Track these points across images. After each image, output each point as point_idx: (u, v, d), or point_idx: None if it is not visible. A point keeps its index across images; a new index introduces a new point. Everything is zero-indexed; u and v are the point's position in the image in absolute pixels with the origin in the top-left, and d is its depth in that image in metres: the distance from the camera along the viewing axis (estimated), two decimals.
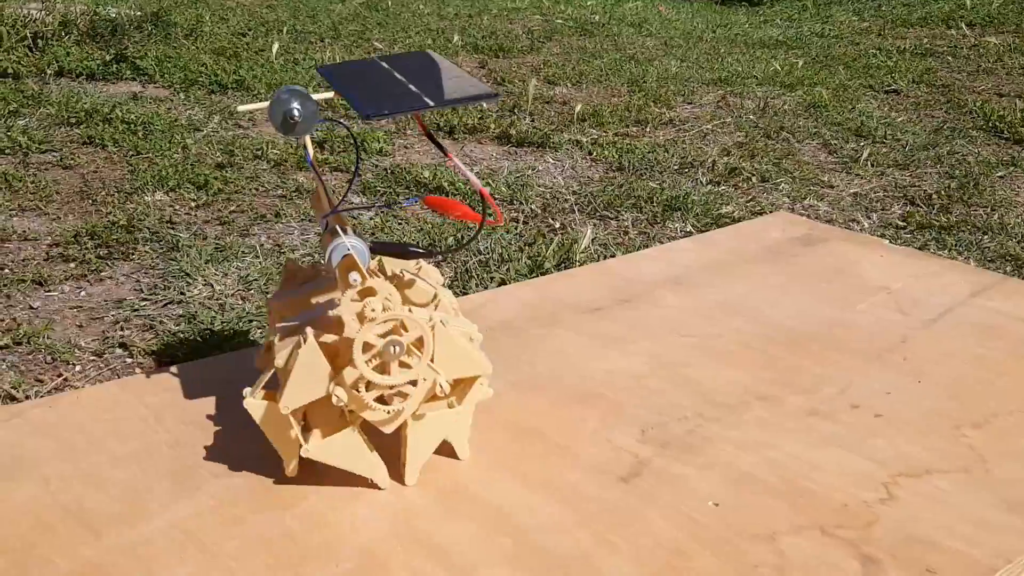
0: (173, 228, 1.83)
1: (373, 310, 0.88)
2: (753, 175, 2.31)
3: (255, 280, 1.58)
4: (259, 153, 2.37)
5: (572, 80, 3.45)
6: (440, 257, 0.90)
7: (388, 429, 0.94)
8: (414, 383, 0.91)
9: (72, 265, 1.65)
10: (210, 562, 0.87)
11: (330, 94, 0.98)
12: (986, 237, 1.88)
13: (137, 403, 1.12)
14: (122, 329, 1.41)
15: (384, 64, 1.07)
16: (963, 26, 4.74)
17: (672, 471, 1.00)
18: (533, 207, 2.04)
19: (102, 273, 1.62)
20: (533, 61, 3.79)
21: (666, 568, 0.86)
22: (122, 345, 1.36)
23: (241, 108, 0.97)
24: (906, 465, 1.02)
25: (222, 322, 1.41)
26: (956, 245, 1.84)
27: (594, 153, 2.51)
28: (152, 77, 3.16)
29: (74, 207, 1.97)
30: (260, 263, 1.66)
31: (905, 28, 4.83)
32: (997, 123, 2.84)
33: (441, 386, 0.93)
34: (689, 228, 1.91)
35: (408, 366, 0.90)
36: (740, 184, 2.26)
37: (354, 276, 0.87)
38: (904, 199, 2.18)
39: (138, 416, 1.09)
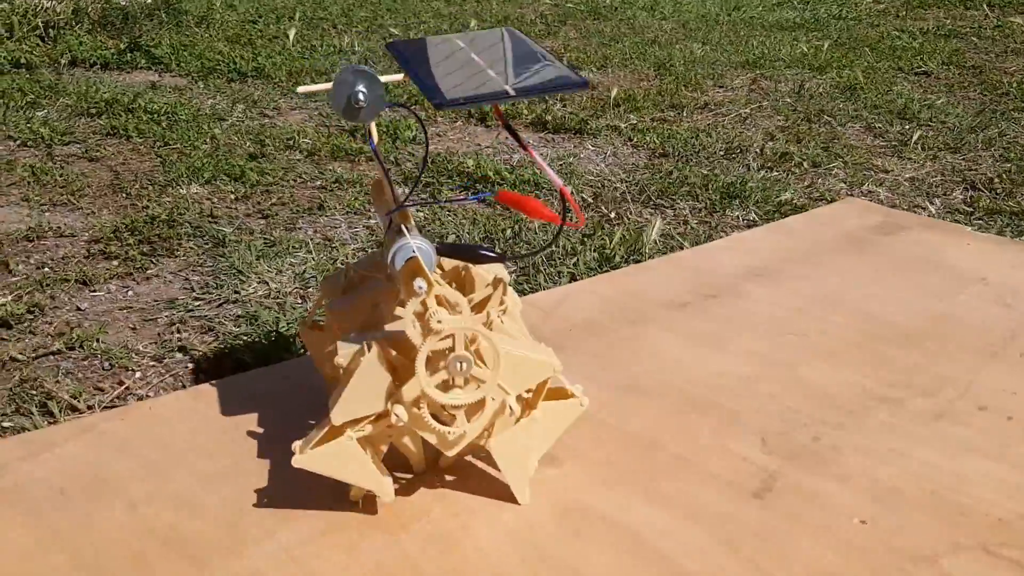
0: (215, 222, 1.75)
1: (440, 321, 0.80)
2: (804, 160, 2.23)
3: (311, 277, 1.50)
4: (291, 143, 2.28)
5: (597, 64, 3.37)
6: (512, 262, 0.82)
7: (451, 452, 0.87)
8: (483, 402, 0.83)
9: (115, 263, 1.57)
10: None
11: (399, 76, 0.90)
12: None
13: (213, 414, 1.04)
14: (178, 331, 1.33)
15: (460, 42, 0.99)
16: (984, 7, 4.66)
17: (807, 486, 0.93)
18: (585, 196, 1.96)
19: (148, 271, 1.54)
20: (552, 45, 3.69)
21: None
22: (181, 349, 1.28)
23: (301, 89, 0.90)
24: None
25: (286, 322, 1.33)
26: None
27: (634, 139, 2.43)
28: (168, 66, 3.06)
29: (108, 201, 1.88)
30: (313, 258, 1.57)
31: (923, 9, 4.75)
32: None
33: (511, 408, 0.85)
34: (752, 216, 1.83)
35: (476, 382, 0.82)
36: (792, 169, 2.18)
37: (419, 283, 0.80)
38: (963, 183, 2.10)
39: (218, 428, 1.01)
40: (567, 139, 2.47)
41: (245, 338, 1.30)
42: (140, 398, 1.17)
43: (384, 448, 0.87)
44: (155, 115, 2.47)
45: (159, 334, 1.34)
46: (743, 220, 1.84)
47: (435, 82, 0.88)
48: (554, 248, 1.62)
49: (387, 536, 0.85)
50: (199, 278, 1.52)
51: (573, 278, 1.51)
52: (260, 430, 1.00)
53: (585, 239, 1.69)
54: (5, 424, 1.11)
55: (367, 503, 0.88)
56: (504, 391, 0.85)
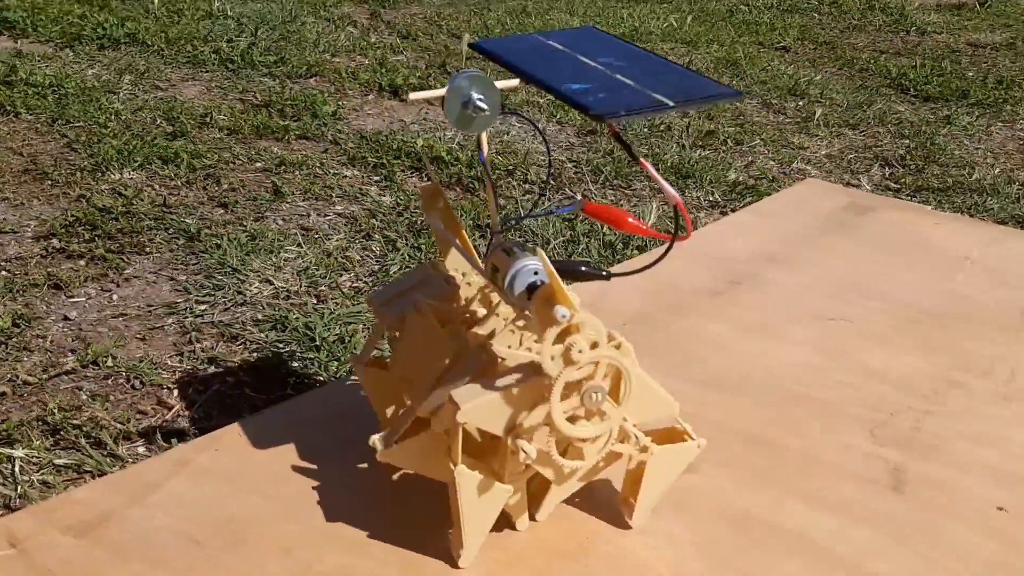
0: (172, 213, 1.61)
1: (580, 351, 0.73)
2: (728, 138, 2.30)
3: (316, 272, 1.40)
4: (206, 120, 2.12)
5: (479, 34, 3.32)
6: (610, 277, 0.79)
7: (562, 485, 0.83)
8: (611, 436, 0.78)
9: (82, 263, 1.41)
10: None
11: (514, 82, 0.84)
12: (989, 199, 1.95)
13: (317, 436, 0.96)
14: (196, 340, 1.22)
15: (556, 43, 0.94)
16: None
17: (935, 476, 0.97)
18: (540, 177, 1.93)
19: (124, 271, 1.40)
20: (425, 12, 3.60)
21: None
22: (212, 360, 1.17)
23: (412, 96, 0.83)
24: None
25: (323, 326, 1.24)
26: (964, 207, 1.91)
27: (557, 115, 2.42)
28: (25, 31, 2.76)
29: (32, 189, 1.69)
30: (304, 251, 1.48)
31: None
32: (903, 81, 2.97)
33: (637, 438, 0.82)
34: (714, 197, 1.87)
35: (602, 414, 0.77)
36: (719, 147, 2.24)
37: (563, 311, 0.73)
38: (876, 160, 2.24)
39: (333, 453, 0.94)
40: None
41: (280, 345, 1.21)
42: (194, 420, 1.07)
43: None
44: (39, 88, 2.23)
45: (175, 344, 1.22)
46: (706, 201, 1.88)
47: (582, 90, 0.83)
48: (550, 237, 1.60)
49: (573, 562, 0.82)
50: (188, 278, 1.39)
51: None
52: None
53: (575, 225, 1.67)
54: (58, 461, 0.97)
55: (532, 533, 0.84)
56: (630, 426, 0.81)
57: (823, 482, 0.95)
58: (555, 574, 0.80)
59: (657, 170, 2.01)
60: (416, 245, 1.53)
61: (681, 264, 1.43)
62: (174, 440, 1.00)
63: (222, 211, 1.65)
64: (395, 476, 0.90)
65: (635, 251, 1.59)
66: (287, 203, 1.71)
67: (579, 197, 0.83)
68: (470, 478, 0.78)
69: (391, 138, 2.07)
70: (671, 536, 0.86)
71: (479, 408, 0.75)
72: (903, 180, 2.09)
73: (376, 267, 1.46)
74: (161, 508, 0.85)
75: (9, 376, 1.12)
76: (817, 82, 2.92)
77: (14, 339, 1.19)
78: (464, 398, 0.75)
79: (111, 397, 1.10)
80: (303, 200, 1.73)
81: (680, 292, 1.33)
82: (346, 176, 1.87)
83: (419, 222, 1.63)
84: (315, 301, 1.34)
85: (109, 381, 1.13)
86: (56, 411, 1.05)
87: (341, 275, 1.42)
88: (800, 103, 2.70)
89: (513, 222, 0.84)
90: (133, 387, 1.12)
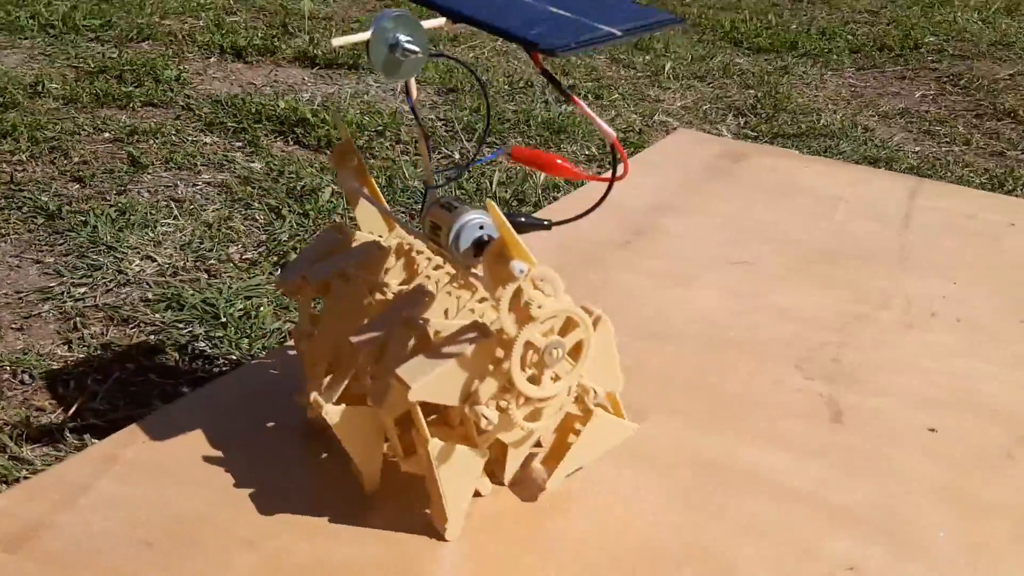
0: (22, 190, 1.46)
1: (540, 307, 0.70)
2: (587, 92, 2.31)
3: (201, 246, 1.31)
4: (38, 89, 1.94)
5: None
6: (551, 226, 0.77)
7: (521, 450, 0.80)
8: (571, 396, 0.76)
9: None
10: None
11: (440, 20, 0.77)
12: (840, 142, 2.05)
13: (245, 419, 0.90)
14: (82, 326, 1.11)
15: None
16: None
17: (867, 406, 1.00)
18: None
19: None
20: None
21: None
22: (105, 347, 1.07)
23: (336, 42, 0.76)
24: None
25: (223, 300, 1.16)
26: (820, 151, 2.00)
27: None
28: None
29: None
30: (183, 224, 1.38)
31: None
32: (735, 35, 3.08)
33: (595, 394, 0.80)
34: (592, 151, 1.88)
35: (558, 374, 0.74)
36: (587, 100, 2.25)
37: (520, 265, 0.69)
38: (730, 110, 2.31)
39: (267, 436, 0.88)
40: (343, 75, 2.35)
41: (181, 325, 1.12)
42: (100, 412, 0.97)
43: None
44: None
45: (58, 332, 1.11)
46: (582, 155, 1.88)
47: (518, 24, 0.80)
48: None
49: (553, 522, 0.80)
50: (56, 259, 1.27)
51: None
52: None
53: (464, 183, 1.64)
54: None
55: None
56: (585, 382, 0.79)
57: (768, 421, 0.97)
58: (544, 534, 0.78)
59: (532, 126, 2.00)
60: (302, 212, 1.45)
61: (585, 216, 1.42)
62: (87, 436, 0.91)
63: (78, 186, 1.51)
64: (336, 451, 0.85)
65: (550, 199, 1.57)
66: (149, 174, 1.59)
67: (493, 149, 0.79)
68: (446, 450, 0.74)
69: (248, 102, 1.96)
70: (639, 487, 0.85)
71: (431, 383, 0.70)
72: (759, 128, 2.16)
73: (264, 236, 1.37)
74: (97, 511, 0.77)
75: None
76: (659, 36, 2.98)
77: None
78: (412, 375, 0.70)
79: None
80: (165, 170, 1.61)
81: (589, 244, 1.33)
82: (206, 143, 1.76)
83: (298, 188, 1.55)
84: (207, 276, 1.25)
85: None
86: None
87: (228, 247, 1.33)
88: (647, 57, 2.75)
89: (449, 175, 0.79)
90: (22, 382, 1.01)
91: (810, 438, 0.94)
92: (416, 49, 0.73)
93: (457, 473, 0.75)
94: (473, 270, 0.77)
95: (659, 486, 0.85)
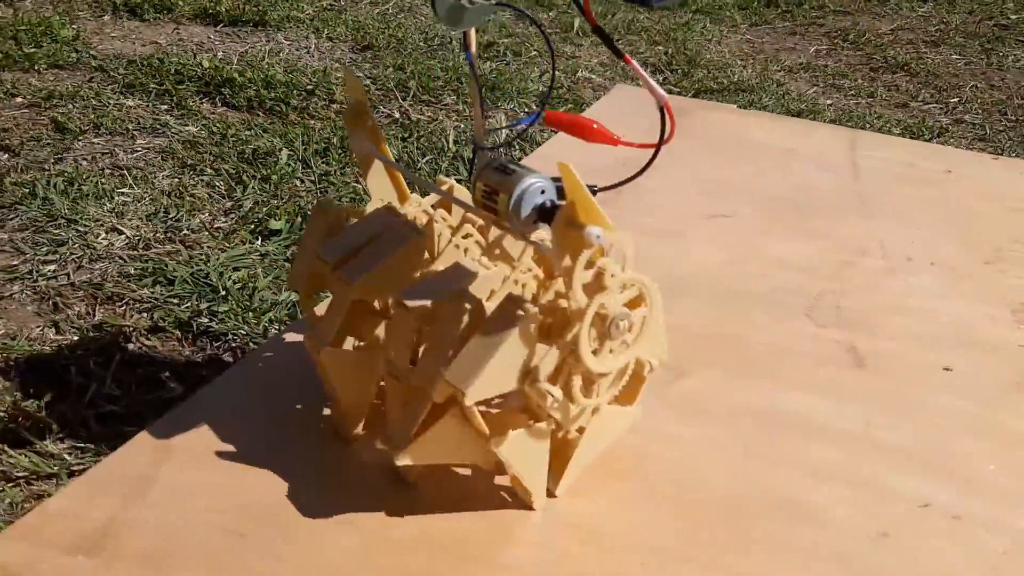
0: None
1: (613, 275, 0.67)
2: (507, 50, 2.29)
3: (169, 216, 1.23)
4: None
5: None
6: (597, 191, 0.74)
7: (573, 427, 0.73)
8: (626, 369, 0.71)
9: None
10: None
11: None
12: (762, 96, 2.11)
13: (297, 398, 0.85)
14: (64, 306, 1.03)
15: None
16: None
17: (882, 350, 1.04)
18: (341, 96, 1.82)
19: None
20: None
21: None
22: (98, 328, 1.00)
23: None
24: None
25: (215, 272, 1.10)
26: (746, 105, 2.05)
27: (323, 31, 2.28)
28: None
29: None
30: (140, 193, 1.29)
31: None
32: None
33: (651, 366, 0.74)
34: (533, 108, 1.87)
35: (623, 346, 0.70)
36: (502, 57, 2.23)
37: (596, 231, 0.65)
38: (645, 66, 2.34)
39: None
40: (251, 32, 2.24)
41: (176, 301, 1.05)
42: (117, 398, 0.90)
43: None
44: None
45: (39, 313, 1.02)
46: (523, 112, 1.87)
47: None
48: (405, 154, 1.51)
49: (633, 484, 0.80)
50: (10, 235, 1.17)
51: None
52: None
53: (419, 139, 1.59)
54: None
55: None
56: (648, 355, 0.73)
57: (799, 369, 0.99)
58: (629, 494, 0.78)
59: (464, 83, 1.96)
60: (262, 176, 1.38)
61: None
62: (117, 424, 0.84)
63: (7, 156, 1.38)
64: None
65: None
66: (81, 141, 1.47)
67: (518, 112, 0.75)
68: (513, 440, 0.68)
69: (166, 62, 1.84)
70: (706, 441, 0.86)
71: (485, 382, 0.65)
72: (681, 84, 2.20)
73: (229, 204, 1.30)
74: (173, 504, 0.72)
75: None
76: None
77: None
78: (463, 377, 0.65)
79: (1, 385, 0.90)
80: (97, 136, 1.50)
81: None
82: (131, 107, 1.65)
83: (248, 151, 1.47)
84: (183, 247, 1.17)
85: None
86: None
87: (195, 216, 1.25)
88: (552, 14, 2.74)
89: (495, 144, 0.75)
90: (20, 370, 0.92)
91: (843, 383, 0.97)
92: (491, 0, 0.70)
93: (528, 455, 0.71)
94: (531, 237, 0.74)
95: (725, 438, 0.86)
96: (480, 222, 0.83)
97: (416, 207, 0.82)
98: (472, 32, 0.76)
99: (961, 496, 0.81)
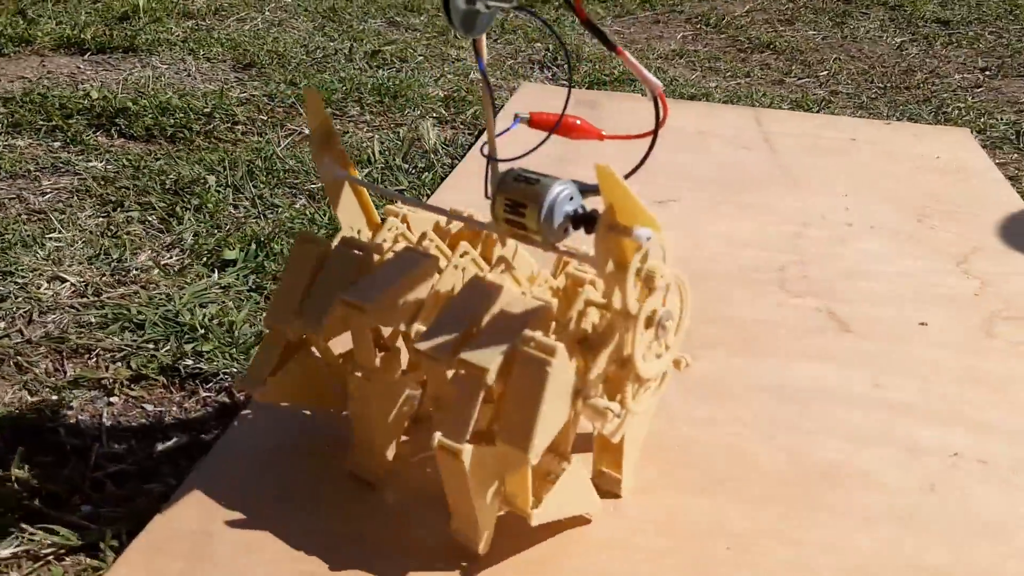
0: None
1: (663, 276, 0.66)
2: (394, 56, 2.27)
3: (111, 256, 1.16)
4: None
5: None
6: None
7: (617, 437, 0.71)
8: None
9: None
10: None
11: None
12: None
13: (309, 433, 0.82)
14: (29, 366, 0.95)
15: None
16: None
17: (856, 312, 1.09)
18: (251, 117, 1.75)
19: None
20: None
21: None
22: (75, 383, 0.93)
23: None
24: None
25: (185, 309, 1.04)
26: (643, 94, 2.10)
27: (199, 52, 2.19)
28: None
29: None
30: (71, 236, 1.20)
31: None
32: None
33: (687, 361, 0.74)
34: (441, 112, 1.85)
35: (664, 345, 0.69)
36: (393, 64, 2.20)
37: (645, 232, 0.63)
38: (532, 63, 2.36)
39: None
40: (121, 58, 2.12)
41: (151, 345, 0.99)
42: (118, 456, 0.84)
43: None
44: None
45: (5, 377, 0.93)
46: (431, 118, 1.85)
47: None
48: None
49: (692, 470, 0.81)
50: None
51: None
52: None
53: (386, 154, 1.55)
54: (2, 553, 0.71)
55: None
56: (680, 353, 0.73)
57: (794, 340, 1.02)
58: (692, 478, 0.78)
59: (364, 93, 1.92)
60: (195, 207, 1.31)
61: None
62: (135, 482, 0.78)
63: None
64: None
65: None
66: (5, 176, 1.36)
67: (515, 113, 0.73)
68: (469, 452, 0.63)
69: (49, 96, 1.72)
70: (738, 419, 0.88)
71: (541, 441, 0.61)
72: (572, 78, 2.22)
73: (169, 239, 1.23)
74: (240, 556, 0.67)
75: None
76: None
77: None
78: (523, 441, 0.61)
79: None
80: (0, 182, 1.39)
81: None
82: (22, 147, 1.53)
83: (168, 181, 1.40)
84: (139, 288, 1.10)
85: None
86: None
87: (138, 255, 1.18)
88: (422, 18, 2.72)
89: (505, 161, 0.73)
90: (6, 438, 0.84)
91: (839, 349, 1.01)
92: (503, 4, 0.68)
93: (568, 495, 0.69)
94: (560, 245, 0.69)
95: (754, 416, 0.88)
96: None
97: (392, 231, 0.80)
98: (483, 39, 0.74)
99: (979, 441, 0.85)
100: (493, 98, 0.74)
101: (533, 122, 0.76)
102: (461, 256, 0.78)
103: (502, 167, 0.72)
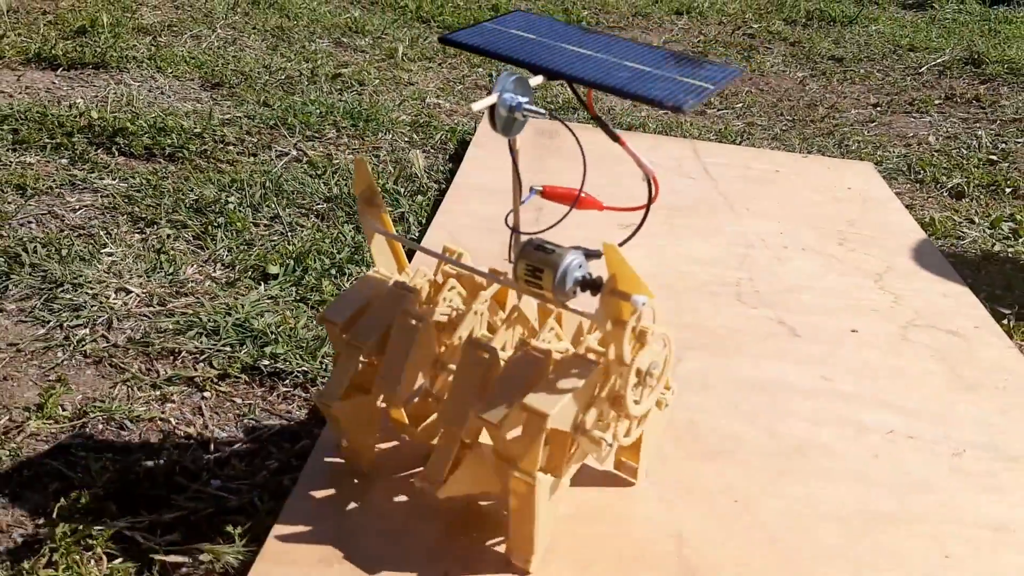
0: None
1: (653, 334, 0.78)
2: (353, 80, 2.43)
3: (163, 269, 1.31)
4: None
5: None
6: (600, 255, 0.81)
7: (603, 460, 0.85)
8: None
9: None
10: None
11: (539, 79, 0.82)
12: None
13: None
14: (123, 367, 1.11)
15: (526, 34, 0.89)
16: None
17: (806, 321, 1.33)
18: (239, 138, 1.90)
19: None
20: None
21: None
22: (169, 381, 1.09)
23: (476, 106, 0.78)
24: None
25: (253, 317, 1.20)
26: (589, 122, 2.33)
27: (167, 69, 2.31)
28: None
29: None
30: (124, 251, 1.35)
31: None
32: (421, 13, 3.32)
33: (668, 404, 0.90)
34: (414, 137, 2.03)
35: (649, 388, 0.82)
36: (355, 87, 2.37)
37: (642, 299, 0.75)
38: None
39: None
40: (94, 74, 2.23)
41: (229, 348, 1.15)
42: (232, 441, 1.01)
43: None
44: None
45: (104, 376, 1.09)
46: (402, 142, 2.03)
47: (635, 81, 0.81)
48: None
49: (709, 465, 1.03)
50: (17, 305, 1.20)
51: (421, 219, 1.58)
52: None
53: (336, 175, 1.72)
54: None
55: None
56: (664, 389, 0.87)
57: (757, 343, 1.26)
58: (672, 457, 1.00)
59: (339, 116, 2.09)
60: (224, 224, 1.47)
61: (478, 203, 1.61)
62: (246, 463, 0.95)
63: None
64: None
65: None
66: (11, 204, 1.48)
67: (530, 187, 0.86)
68: (546, 482, 0.79)
69: (47, 114, 1.83)
70: (725, 405, 1.10)
71: (561, 412, 0.75)
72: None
73: (206, 255, 1.39)
74: (396, 541, 0.86)
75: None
76: (374, 21, 3.10)
77: None
78: (546, 405, 0.76)
79: (115, 443, 0.97)
80: (21, 196, 1.51)
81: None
82: (33, 164, 1.65)
83: (189, 200, 1.55)
84: (197, 298, 1.26)
85: (99, 428, 0.99)
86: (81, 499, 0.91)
87: (185, 269, 1.33)
88: (367, 39, 2.88)
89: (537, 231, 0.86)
90: (120, 427, 1.00)
91: (790, 350, 1.25)
92: (540, 111, 0.79)
93: (550, 503, 0.80)
94: (569, 304, 0.81)
95: (737, 403, 1.11)
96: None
97: (422, 278, 0.93)
98: (516, 139, 0.86)
99: (907, 422, 1.11)
100: (520, 181, 0.87)
101: (545, 194, 0.89)
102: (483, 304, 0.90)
103: (523, 238, 0.84)
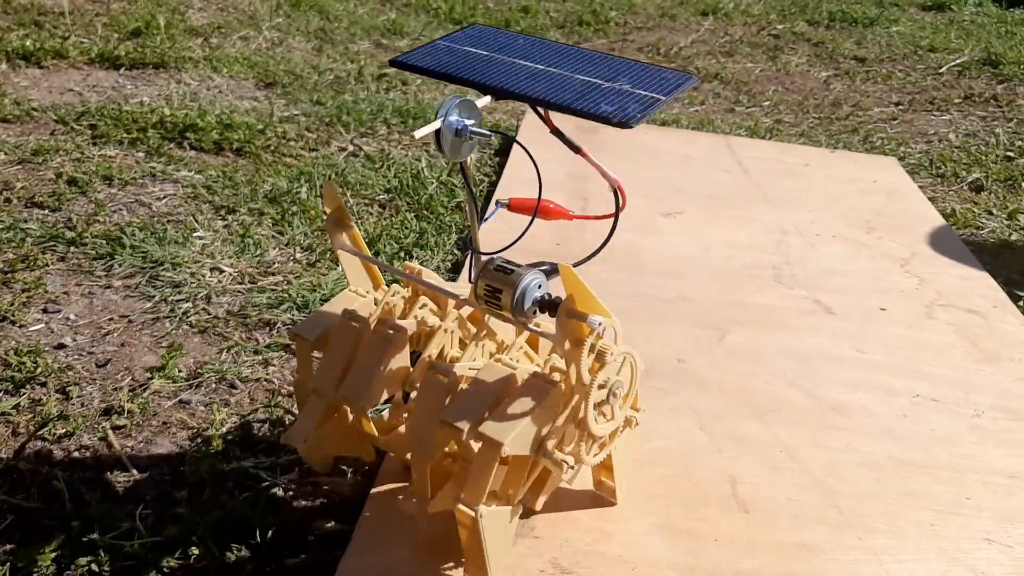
0: (22, 224, 1.44)
1: (612, 354, 0.77)
2: (397, 80, 2.55)
3: (251, 252, 1.43)
4: None
5: None
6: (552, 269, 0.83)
7: (571, 480, 0.83)
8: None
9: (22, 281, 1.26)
10: None
11: (486, 99, 0.82)
12: None
13: None
14: (226, 336, 1.23)
15: (479, 50, 0.89)
16: None
17: (838, 300, 1.44)
18: (299, 135, 2.02)
19: (68, 294, 1.28)
20: None
21: None
22: (268, 347, 1.21)
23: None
24: None
25: (322, 299, 1.32)
26: None
27: (223, 70, 2.44)
28: None
29: None
30: (214, 235, 1.47)
31: None
32: (453, 15, 3.43)
33: (636, 421, 0.87)
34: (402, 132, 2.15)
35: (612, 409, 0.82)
36: (400, 87, 2.49)
37: (598, 319, 0.75)
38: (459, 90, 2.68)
39: None
40: (155, 74, 2.36)
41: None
42: None
43: None
44: None
45: (209, 343, 1.21)
46: (404, 139, 2.14)
47: (578, 98, 0.81)
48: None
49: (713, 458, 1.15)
50: (123, 283, 1.32)
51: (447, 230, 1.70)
52: None
53: (390, 190, 1.84)
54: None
55: None
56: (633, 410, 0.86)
57: (795, 318, 1.38)
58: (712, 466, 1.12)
59: (389, 113, 2.21)
60: (298, 212, 1.59)
61: (527, 195, 1.72)
62: None
63: (44, 212, 1.51)
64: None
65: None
66: (98, 192, 1.61)
67: (496, 200, 0.94)
68: (492, 515, 0.78)
69: (122, 111, 1.96)
70: (769, 373, 1.22)
71: (518, 437, 0.75)
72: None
73: (286, 240, 1.51)
74: None
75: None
76: (410, 23, 3.22)
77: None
78: (501, 432, 0.75)
79: (237, 409, 1.10)
80: (110, 187, 1.64)
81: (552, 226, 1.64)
82: (114, 157, 1.78)
83: (263, 191, 1.67)
84: (279, 279, 1.38)
85: (212, 389, 1.12)
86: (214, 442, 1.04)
87: (269, 251, 1.45)
88: (406, 41, 3.00)
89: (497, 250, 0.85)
90: (233, 385, 1.12)
91: (827, 326, 1.37)
92: (487, 133, 0.78)
93: (501, 534, 0.79)
94: (530, 325, 0.79)
95: (779, 371, 1.23)
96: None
97: (394, 295, 0.90)
98: (468, 161, 0.85)
99: (932, 387, 1.22)
100: (477, 202, 0.89)
101: (512, 207, 0.91)
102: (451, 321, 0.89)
103: (484, 257, 0.81)
